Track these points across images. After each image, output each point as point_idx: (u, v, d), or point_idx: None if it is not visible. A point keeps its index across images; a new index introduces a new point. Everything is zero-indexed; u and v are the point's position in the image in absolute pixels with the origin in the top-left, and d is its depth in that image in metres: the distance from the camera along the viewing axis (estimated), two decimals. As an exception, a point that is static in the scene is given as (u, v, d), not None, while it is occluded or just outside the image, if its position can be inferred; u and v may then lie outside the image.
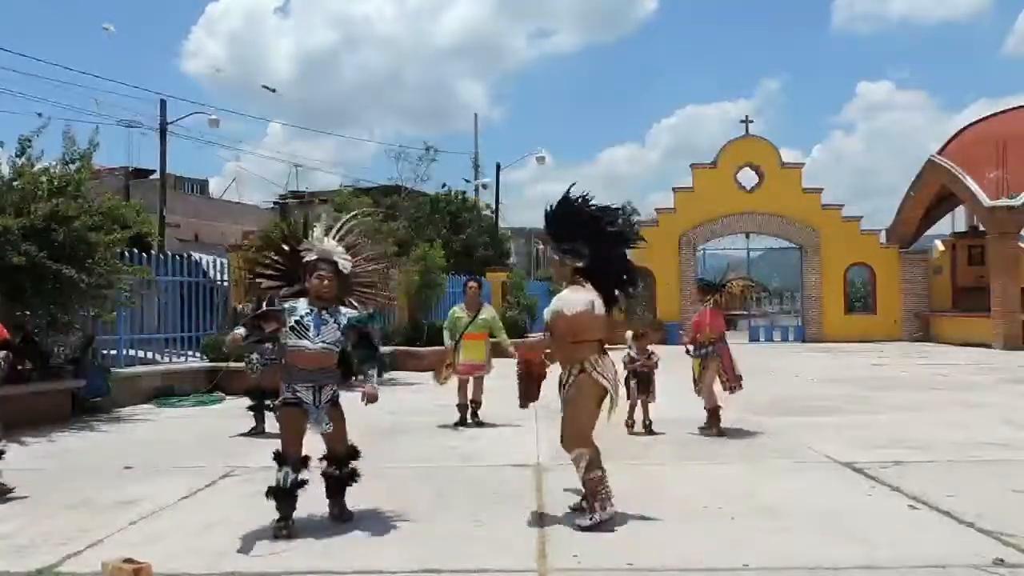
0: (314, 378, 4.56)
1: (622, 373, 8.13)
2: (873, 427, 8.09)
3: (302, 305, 4.63)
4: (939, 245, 25.21)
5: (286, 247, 5.01)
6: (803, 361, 17.21)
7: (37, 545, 4.35)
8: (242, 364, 8.52)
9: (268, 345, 7.98)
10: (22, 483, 5.58)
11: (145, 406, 10.35)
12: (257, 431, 7.99)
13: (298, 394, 4.57)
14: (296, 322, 4.56)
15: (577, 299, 4.69)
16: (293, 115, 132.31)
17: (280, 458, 4.60)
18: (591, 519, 4.51)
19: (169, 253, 14.23)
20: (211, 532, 4.57)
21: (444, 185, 28.84)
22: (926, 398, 10.57)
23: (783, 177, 24.64)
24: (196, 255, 14.74)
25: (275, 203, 34.86)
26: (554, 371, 4.91)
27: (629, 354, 8.10)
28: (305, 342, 4.55)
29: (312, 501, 4.70)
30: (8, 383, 7.08)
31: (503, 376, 7.23)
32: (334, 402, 4.67)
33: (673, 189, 25.33)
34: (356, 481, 4.84)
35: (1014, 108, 23.50)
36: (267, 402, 7.90)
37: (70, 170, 9.46)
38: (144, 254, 11.46)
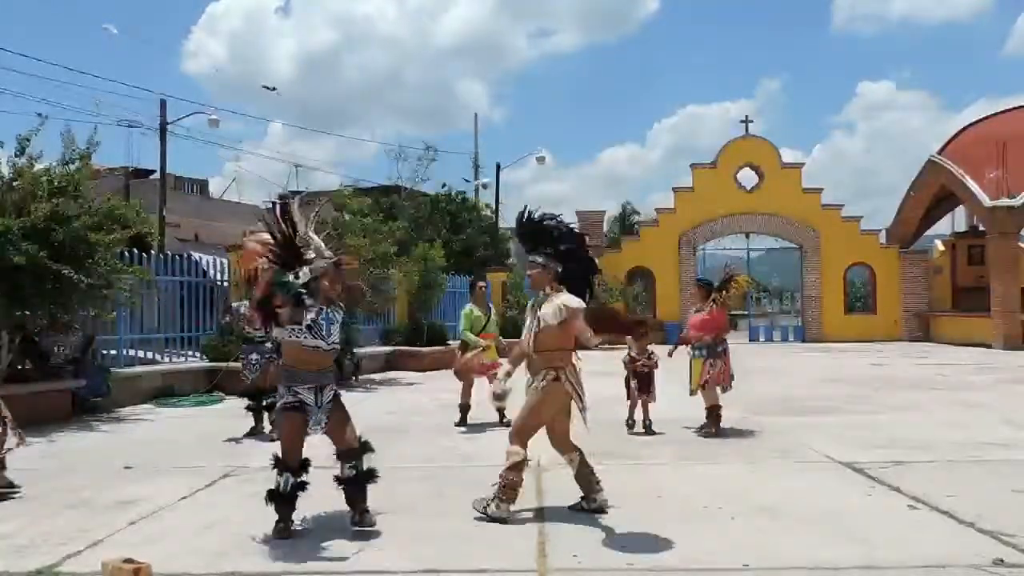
0: (317, 379, 4.52)
1: (622, 373, 8.20)
2: (873, 427, 8.08)
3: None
4: (939, 245, 25.20)
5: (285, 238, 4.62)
6: (803, 361, 17.22)
7: (37, 545, 4.35)
8: (239, 364, 8.50)
9: (268, 345, 8.01)
10: (22, 483, 5.60)
11: (145, 406, 10.35)
12: (256, 431, 7.98)
13: (299, 396, 4.48)
14: (312, 320, 4.46)
15: (577, 301, 4.76)
16: (293, 115, 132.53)
17: (280, 464, 4.55)
18: (484, 508, 4.73)
19: (169, 253, 14.23)
20: (211, 532, 4.57)
21: (444, 185, 28.87)
22: (926, 398, 10.57)
23: (783, 177, 24.62)
24: (196, 255, 14.73)
25: (275, 203, 34.77)
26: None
27: (629, 354, 8.08)
28: (321, 342, 4.50)
29: (312, 501, 4.69)
30: (8, 383, 7.10)
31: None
32: (336, 401, 4.62)
33: (673, 189, 25.32)
34: (375, 480, 4.63)
35: (1014, 108, 23.46)
36: (265, 402, 7.91)
37: (70, 170, 9.46)
38: (144, 254, 11.44)
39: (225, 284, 13.36)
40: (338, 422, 4.60)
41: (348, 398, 4.84)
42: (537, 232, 5.06)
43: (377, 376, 14.15)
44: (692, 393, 7.94)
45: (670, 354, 8.03)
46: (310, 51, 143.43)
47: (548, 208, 5.19)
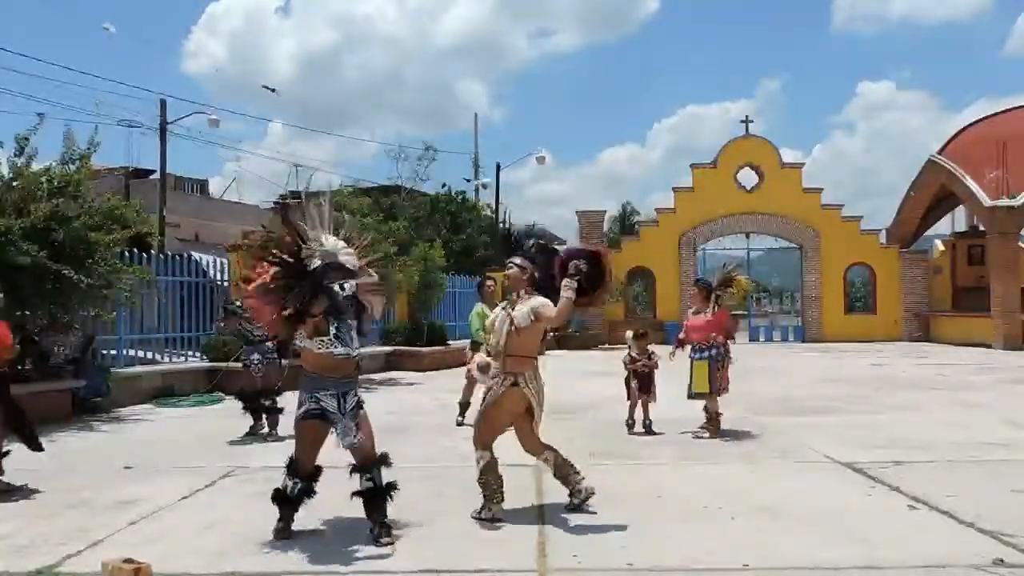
0: (340, 386, 4.43)
1: (622, 373, 8.20)
2: (873, 427, 8.09)
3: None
4: (939, 245, 25.19)
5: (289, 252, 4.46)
6: (803, 361, 17.22)
7: (37, 545, 4.36)
8: (239, 365, 8.49)
9: (268, 344, 8.01)
10: (22, 483, 5.60)
11: (145, 406, 10.35)
12: (256, 431, 7.97)
13: (322, 403, 4.39)
14: (338, 328, 4.38)
15: (549, 306, 4.83)
16: (293, 115, 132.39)
17: (293, 468, 4.53)
18: (479, 514, 4.76)
19: (169, 253, 14.23)
20: (211, 532, 4.58)
21: (444, 185, 28.87)
22: (926, 398, 10.57)
23: (783, 177, 24.62)
24: (196, 255, 14.72)
25: (275, 203, 34.79)
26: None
27: (629, 354, 8.08)
28: (348, 350, 4.44)
29: (313, 502, 4.68)
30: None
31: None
32: (359, 407, 4.53)
33: (673, 189, 25.31)
34: (392, 494, 4.49)
35: (1014, 108, 23.47)
36: (264, 402, 7.90)
37: (70, 170, 9.46)
38: (144, 254, 11.45)
39: (225, 284, 13.36)
40: (366, 436, 4.50)
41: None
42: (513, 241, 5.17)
43: (377, 376, 14.16)
44: (690, 397, 7.84)
45: (671, 355, 7.99)
46: (310, 51, 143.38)
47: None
